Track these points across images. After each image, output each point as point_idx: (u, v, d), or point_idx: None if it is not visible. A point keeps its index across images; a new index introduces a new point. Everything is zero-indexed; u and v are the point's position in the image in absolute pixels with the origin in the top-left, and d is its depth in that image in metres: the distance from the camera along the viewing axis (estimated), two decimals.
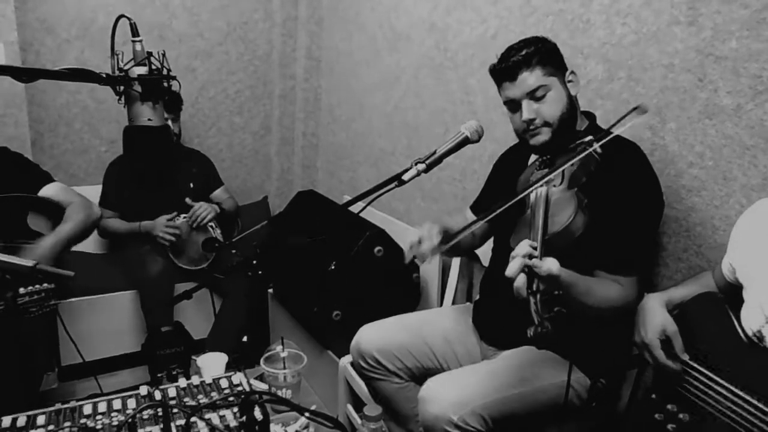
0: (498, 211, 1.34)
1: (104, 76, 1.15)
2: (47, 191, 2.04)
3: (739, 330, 1.17)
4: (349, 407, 2.11)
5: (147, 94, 1.18)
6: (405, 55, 2.69)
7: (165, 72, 1.20)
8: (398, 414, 1.75)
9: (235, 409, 1.22)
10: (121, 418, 1.21)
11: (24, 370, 1.86)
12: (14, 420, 1.22)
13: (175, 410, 1.21)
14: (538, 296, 1.07)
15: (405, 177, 1.42)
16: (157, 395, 1.29)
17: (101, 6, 2.92)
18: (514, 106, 1.50)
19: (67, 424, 1.20)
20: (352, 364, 1.81)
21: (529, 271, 1.12)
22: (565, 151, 1.42)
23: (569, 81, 1.50)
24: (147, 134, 1.21)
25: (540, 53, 1.45)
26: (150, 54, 1.20)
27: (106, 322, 2.74)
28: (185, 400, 1.30)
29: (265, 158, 3.66)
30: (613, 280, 1.41)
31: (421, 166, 1.43)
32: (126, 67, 1.21)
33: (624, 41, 1.69)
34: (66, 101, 2.97)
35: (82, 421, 1.22)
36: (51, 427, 1.19)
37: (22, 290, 1.60)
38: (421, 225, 1.49)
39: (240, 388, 1.35)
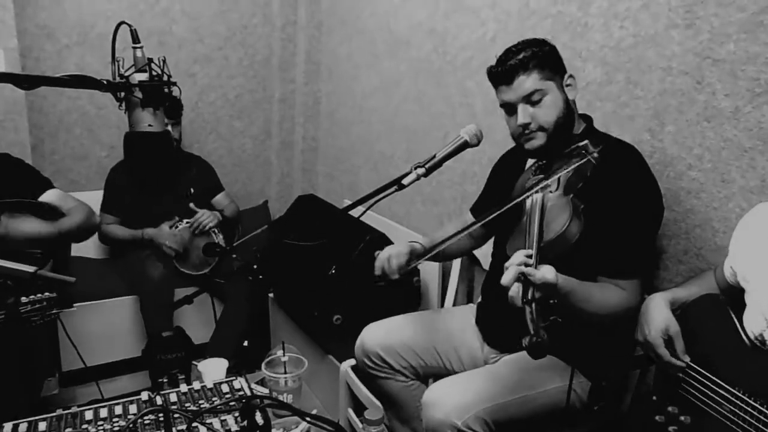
0: (491, 217, 1.35)
1: (105, 82, 1.16)
2: (48, 197, 2.04)
3: (742, 333, 1.17)
4: (350, 411, 2.11)
5: (148, 100, 1.19)
6: (404, 59, 2.70)
7: (165, 78, 1.21)
8: (403, 413, 1.75)
9: (237, 414, 1.22)
10: (123, 423, 1.21)
11: (25, 376, 1.86)
12: (15, 426, 1.22)
13: (176, 415, 1.21)
14: (534, 305, 1.07)
15: (405, 181, 1.43)
16: (159, 400, 1.30)
17: (101, 12, 2.93)
18: (510, 109, 1.49)
19: (69, 430, 1.20)
20: (356, 365, 1.82)
21: (524, 280, 1.12)
22: (561, 155, 1.42)
23: (567, 85, 1.49)
24: (148, 140, 1.21)
25: (538, 57, 1.43)
26: (151, 60, 1.21)
27: (107, 327, 2.74)
28: (186, 405, 1.30)
29: (265, 162, 3.66)
30: (614, 285, 1.41)
31: (421, 171, 1.44)
32: (127, 74, 1.21)
33: (622, 44, 1.70)
34: (66, 107, 2.98)
35: (84, 426, 1.22)
36: None
37: (24, 299, 1.60)
38: (395, 244, 1.59)
39: (241, 393, 1.35)
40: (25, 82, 1.08)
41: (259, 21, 3.37)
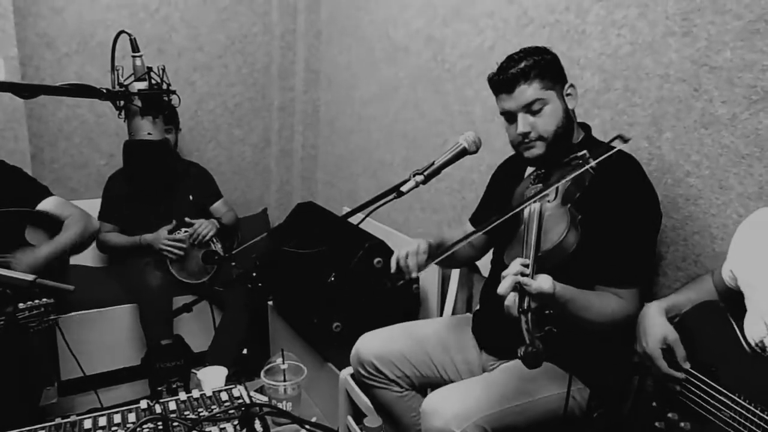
0: (492, 225, 1.36)
1: (105, 91, 1.16)
2: (45, 205, 2.04)
3: (741, 339, 1.17)
4: (350, 419, 2.10)
5: (147, 109, 1.19)
6: (403, 66, 2.71)
7: (165, 86, 1.21)
8: (399, 423, 1.75)
9: (236, 422, 1.21)
10: (123, 431, 1.21)
11: (23, 385, 1.86)
12: None
13: (175, 423, 1.21)
14: (529, 315, 1.07)
15: (403, 189, 1.43)
16: (158, 409, 1.29)
17: (101, 20, 2.94)
18: (510, 117, 1.50)
19: None
20: (352, 373, 1.81)
21: (521, 290, 1.13)
22: (560, 165, 1.43)
23: (568, 94, 1.49)
24: (147, 148, 1.22)
25: (539, 66, 1.44)
26: (150, 69, 1.22)
27: (106, 335, 2.73)
28: (185, 413, 1.29)
29: (264, 170, 3.67)
30: (613, 294, 1.41)
31: (420, 178, 1.44)
32: (126, 82, 1.22)
33: (620, 52, 1.71)
34: (65, 115, 2.98)
35: None
36: None
37: (21, 305, 1.60)
38: (413, 239, 1.53)
39: (240, 401, 1.35)
40: (25, 91, 1.08)
41: (258, 30, 3.39)
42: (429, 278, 2.46)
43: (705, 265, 1.52)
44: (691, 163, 1.54)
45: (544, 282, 1.15)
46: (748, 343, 1.15)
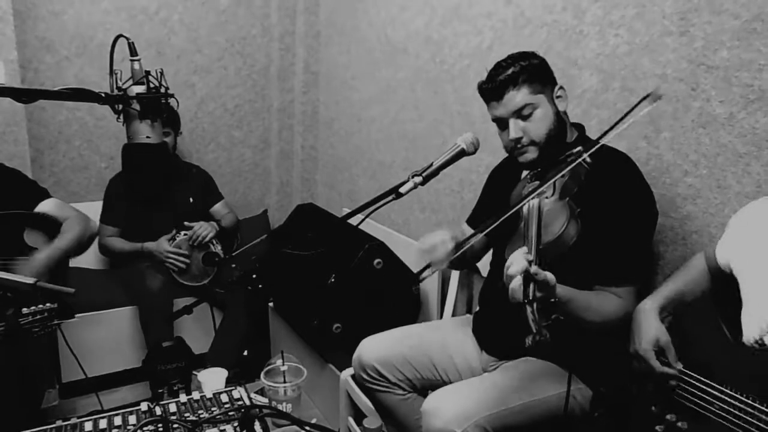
0: (494, 225, 1.36)
1: (103, 95, 1.17)
2: (44, 207, 2.05)
3: (727, 334, 1.18)
4: (351, 420, 2.11)
5: (145, 112, 1.20)
6: (402, 67, 2.71)
7: (163, 90, 1.22)
8: (402, 426, 1.75)
9: (236, 424, 1.22)
10: None
11: (24, 388, 1.86)
12: None
13: (175, 425, 1.21)
14: (535, 305, 1.08)
15: (402, 190, 1.43)
16: (158, 411, 1.30)
17: (100, 23, 2.94)
18: (501, 124, 1.52)
19: None
20: (354, 376, 1.82)
21: (525, 279, 1.13)
22: (555, 163, 1.43)
23: (558, 96, 1.50)
24: (145, 151, 1.22)
25: (526, 71, 1.45)
26: (148, 72, 1.22)
27: (107, 338, 2.74)
28: (186, 415, 1.30)
29: (264, 172, 3.67)
30: (611, 293, 1.41)
31: (418, 179, 1.44)
32: (124, 86, 1.22)
33: (617, 52, 1.71)
34: (65, 118, 2.99)
35: None
36: None
37: (25, 310, 1.60)
38: (429, 234, 1.50)
39: (240, 403, 1.35)
40: (24, 95, 1.08)
41: (257, 31, 3.39)
42: (429, 280, 2.46)
43: None
44: (690, 163, 1.54)
45: (550, 275, 1.16)
46: (746, 340, 1.16)
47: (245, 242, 3.07)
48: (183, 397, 1.37)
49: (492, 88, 1.48)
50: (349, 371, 2.07)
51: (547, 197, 1.37)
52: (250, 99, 3.49)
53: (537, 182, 1.47)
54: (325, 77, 3.44)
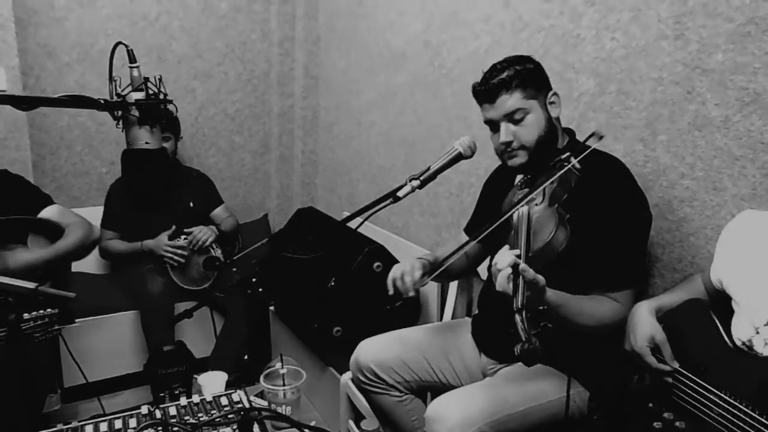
0: (483, 234, 1.38)
1: (102, 102, 1.18)
2: (48, 213, 2.06)
3: (725, 337, 1.19)
4: (351, 423, 2.11)
5: (144, 118, 1.21)
6: (401, 72, 2.73)
7: (162, 96, 1.23)
8: (399, 428, 1.75)
9: (235, 427, 1.23)
10: None
11: (26, 392, 1.87)
12: None
13: (175, 429, 1.22)
14: (524, 313, 1.08)
15: (400, 194, 1.45)
16: (158, 414, 1.31)
17: (101, 30, 2.96)
18: (493, 126, 1.53)
19: None
20: (352, 378, 1.83)
21: (514, 285, 1.13)
22: (545, 169, 1.44)
23: (551, 102, 1.51)
24: (144, 157, 1.24)
25: (520, 76, 1.45)
26: (147, 79, 1.23)
27: (108, 342, 2.75)
28: (186, 418, 1.31)
29: (264, 176, 3.69)
30: (607, 298, 1.42)
31: (416, 183, 1.46)
32: (123, 93, 1.24)
33: (614, 55, 1.72)
34: (67, 124, 3.01)
35: None
36: None
37: (26, 315, 1.61)
38: (401, 263, 1.57)
39: (240, 406, 1.36)
40: (24, 103, 1.10)
41: (257, 37, 3.41)
42: (429, 283, 2.46)
43: (700, 266, 1.53)
44: (686, 165, 1.55)
45: (539, 275, 1.17)
46: (734, 342, 1.17)
47: (246, 246, 3.08)
48: (183, 401, 1.38)
49: (485, 91, 1.49)
50: (350, 374, 2.08)
51: (536, 204, 1.38)
52: (250, 104, 3.50)
53: (527, 189, 1.48)
54: (325, 82, 3.45)
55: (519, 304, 1.10)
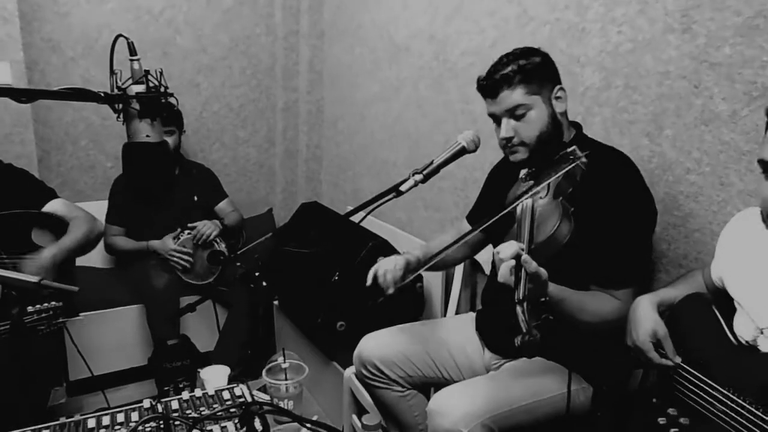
0: (484, 225, 1.37)
1: (102, 95, 1.18)
2: (51, 207, 2.06)
3: (728, 332, 1.18)
4: (354, 418, 2.11)
5: (145, 112, 1.21)
6: (405, 66, 2.71)
7: (162, 89, 1.23)
8: (402, 423, 1.75)
9: (237, 421, 1.23)
10: (125, 430, 1.23)
11: (30, 385, 1.88)
12: None
13: (177, 422, 1.22)
14: (525, 305, 1.08)
15: (402, 188, 1.44)
16: (160, 408, 1.31)
17: (105, 24, 2.96)
18: (496, 120, 1.51)
19: None
20: (355, 373, 1.83)
21: (516, 276, 1.13)
22: (551, 162, 1.43)
23: (557, 97, 1.48)
24: (145, 151, 1.23)
25: (524, 71, 1.43)
26: (147, 72, 1.23)
27: (114, 336, 2.76)
28: (188, 412, 1.31)
29: (269, 171, 3.68)
30: (608, 295, 1.41)
31: (418, 177, 1.45)
32: (124, 86, 1.23)
33: (620, 49, 1.70)
34: (72, 119, 3.01)
35: None
36: None
37: (30, 308, 1.62)
38: (386, 259, 1.59)
39: (242, 400, 1.36)
40: (23, 95, 1.09)
41: (261, 31, 3.40)
42: (433, 277, 2.47)
43: (706, 262, 1.51)
44: (692, 160, 1.53)
45: (541, 268, 1.16)
46: (738, 340, 1.16)
47: (250, 241, 3.08)
48: (185, 394, 1.37)
49: (488, 85, 1.47)
50: (353, 369, 2.08)
51: (540, 197, 1.37)
52: (255, 98, 3.50)
53: (531, 182, 1.47)
54: (330, 76, 3.44)
55: (520, 295, 1.10)
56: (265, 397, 1.66)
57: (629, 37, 1.67)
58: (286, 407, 1.55)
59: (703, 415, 1.18)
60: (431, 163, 1.48)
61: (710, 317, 1.23)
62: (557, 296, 1.27)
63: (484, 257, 2.13)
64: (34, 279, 1.46)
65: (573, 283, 1.34)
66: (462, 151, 1.51)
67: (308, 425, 1.25)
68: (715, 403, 1.15)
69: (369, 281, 1.56)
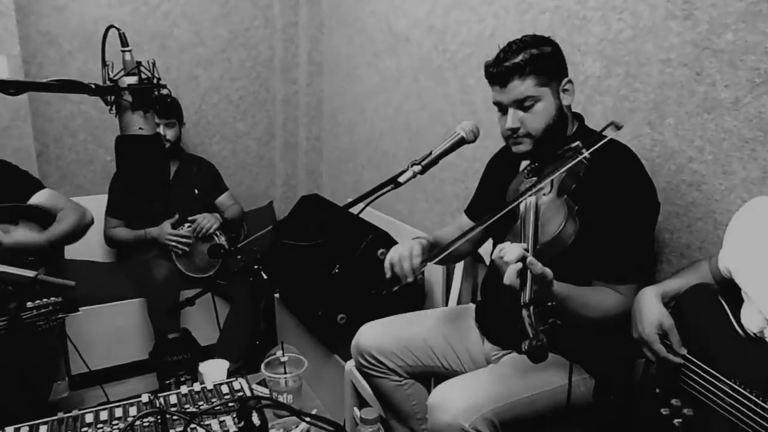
0: (487, 223, 1.35)
1: (93, 86, 1.16)
2: (38, 198, 2.04)
3: (735, 324, 1.16)
4: (356, 410, 2.10)
5: (137, 103, 1.19)
6: (404, 57, 2.69)
7: (155, 81, 1.21)
8: (399, 412, 1.75)
9: (234, 415, 1.22)
10: (123, 426, 1.22)
11: (30, 380, 1.88)
12: (17, 430, 1.23)
13: (174, 417, 1.21)
14: (532, 309, 1.06)
15: (401, 179, 1.42)
16: (160, 402, 1.30)
17: (103, 17, 2.94)
18: (502, 108, 1.48)
19: None
20: (354, 362, 1.82)
21: (522, 280, 1.11)
22: (554, 157, 1.41)
23: (565, 90, 1.45)
24: (138, 143, 1.22)
25: (535, 61, 1.39)
26: (139, 63, 1.21)
27: (115, 330, 2.76)
28: (186, 406, 1.30)
29: (269, 164, 3.67)
30: (612, 290, 1.40)
31: (417, 168, 1.44)
32: (116, 77, 1.22)
33: (621, 37, 1.68)
34: (70, 112, 2.99)
35: (84, 430, 1.23)
36: None
37: (29, 304, 1.61)
38: (401, 244, 1.51)
39: (241, 394, 1.35)
40: (11, 87, 1.08)
41: (260, 23, 3.38)
42: (434, 269, 2.45)
43: (709, 251, 1.50)
44: (694, 149, 1.51)
45: (546, 268, 1.14)
46: (745, 331, 1.14)
47: (251, 234, 3.08)
48: (184, 389, 1.37)
49: (497, 73, 1.43)
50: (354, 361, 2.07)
51: (544, 194, 1.35)
52: (254, 91, 3.48)
53: (534, 178, 1.45)
54: (329, 68, 3.42)
55: (527, 299, 1.07)
56: (265, 391, 1.65)
57: (630, 24, 1.65)
58: (285, 401, 1.54)
59: (707, 406, 1.17)
60: (430, 154, 1.47)
61: (717, 308, 1.21)
62: (561, 293, 1.25)
63: (486, 249, 2.12)
64: (30, 274, 1.45)
65: (575, 278, 1.32)
66: (461, 142, 1.50)
67: (307, 419, 1.24)
68: (720, 394, 1.13)
69: (387, 271, 1.48)
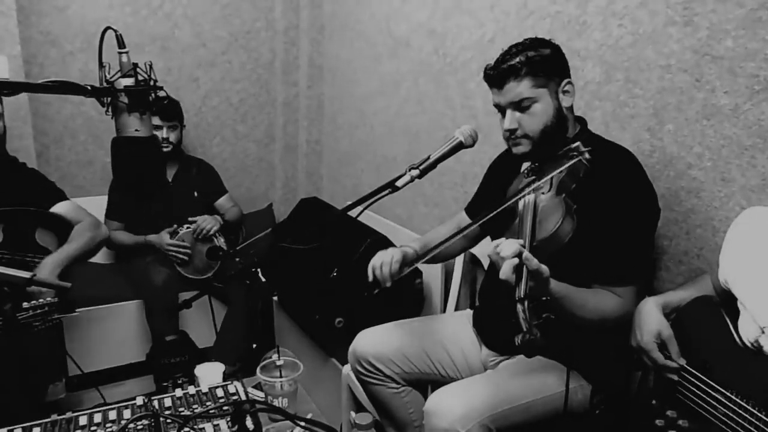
0: (484, 219, 1.35)
1: (89, 88, 1.16)
2: (59, 209, 2.06)
3: (735, 335, 1.15)
4: (353, 414, 2.09)
5: (134, 105, 1.19)
6: (405, 61, 2.69)
7: (152, 82, 1.21)
8: (396, 419, 1.74)
9: (228, 419, 1.21)
10: (116, 428, 1.21)
11: (26, 382, 1.87)
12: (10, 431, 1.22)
13: (168, 420, 1.21)
14: (526, 303, 1.06)
15: (398, 183, 1.42)
16: (155, 405, 1.30)
17: (104, 18, 2.94)
18: (501, 110, 1.48)
19: None
20: (351, 369, 1.81)
21: (518, 274, 1.11)
22: (554, 157, 1.40)
23: (565, 91, 1.45)
24: (134, 145, 1.22)
25: (532, 63, 1.40)
26: (136, 65, 1.21)
27: (112, 331, 2.75)
28: (180, 409, 1.30)
29: (269, 166, 3.67)
30: (610, 292, 1.39)
31: (415, 172, 1.43)
32: (112, 79, 1.22)
33: (621, 43, 1.68)
34: (70, 113, 2.99)
35: None
36: None
37: (25, 304, 1.61)
38: (383, 251, 1.58)
39: (236, 397, 1.34)
40: (6, 88, 1.08)
41: (261, 25, 3.38)
42: (432, 273, 2.45)
43: (707, 258, 1.50)
44: (693, 155, 1.51)
45: (543, 264, 1.14)
46: (743, 341, 1.13)
47: (250, 236, 3.07)
48: (178, 392, 1.36)
49: (494, 75, 1.44)
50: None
51: (543, 193, 1.35)
52: (255, 93, 3.48)
53: (533, 177, 1.45)
54: (330, 71, 3.42)
55: (521, 293, 1.08)
56: (260, 395, 1.64)
57: (630, 30, 1.64)
58: (280, 405, 1.54)
59: (703, 418, 1.16)
60: (428, 158, 1.47)
61: (718, 320, 1.21)
62: (559, 293, 1.25)
63: (484, 252, 2.11)
64: (26, 275, 1.45)
65: (575, 280, 1.32)
66: (459, 146, 1.49)
67: (302, 423, 1.23)
68: (717, 405, 1.13)
69: (369, 274, 1.55)
